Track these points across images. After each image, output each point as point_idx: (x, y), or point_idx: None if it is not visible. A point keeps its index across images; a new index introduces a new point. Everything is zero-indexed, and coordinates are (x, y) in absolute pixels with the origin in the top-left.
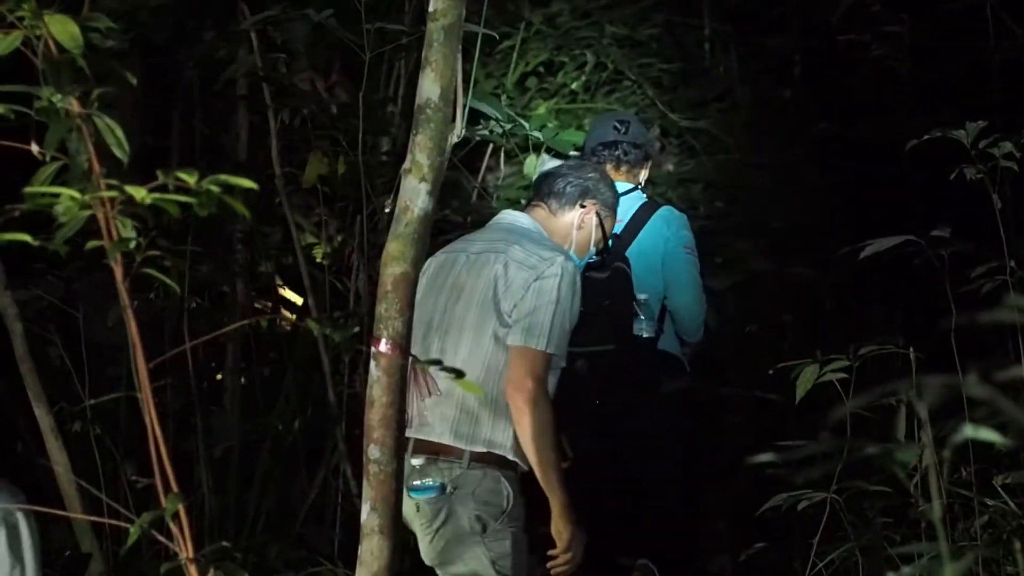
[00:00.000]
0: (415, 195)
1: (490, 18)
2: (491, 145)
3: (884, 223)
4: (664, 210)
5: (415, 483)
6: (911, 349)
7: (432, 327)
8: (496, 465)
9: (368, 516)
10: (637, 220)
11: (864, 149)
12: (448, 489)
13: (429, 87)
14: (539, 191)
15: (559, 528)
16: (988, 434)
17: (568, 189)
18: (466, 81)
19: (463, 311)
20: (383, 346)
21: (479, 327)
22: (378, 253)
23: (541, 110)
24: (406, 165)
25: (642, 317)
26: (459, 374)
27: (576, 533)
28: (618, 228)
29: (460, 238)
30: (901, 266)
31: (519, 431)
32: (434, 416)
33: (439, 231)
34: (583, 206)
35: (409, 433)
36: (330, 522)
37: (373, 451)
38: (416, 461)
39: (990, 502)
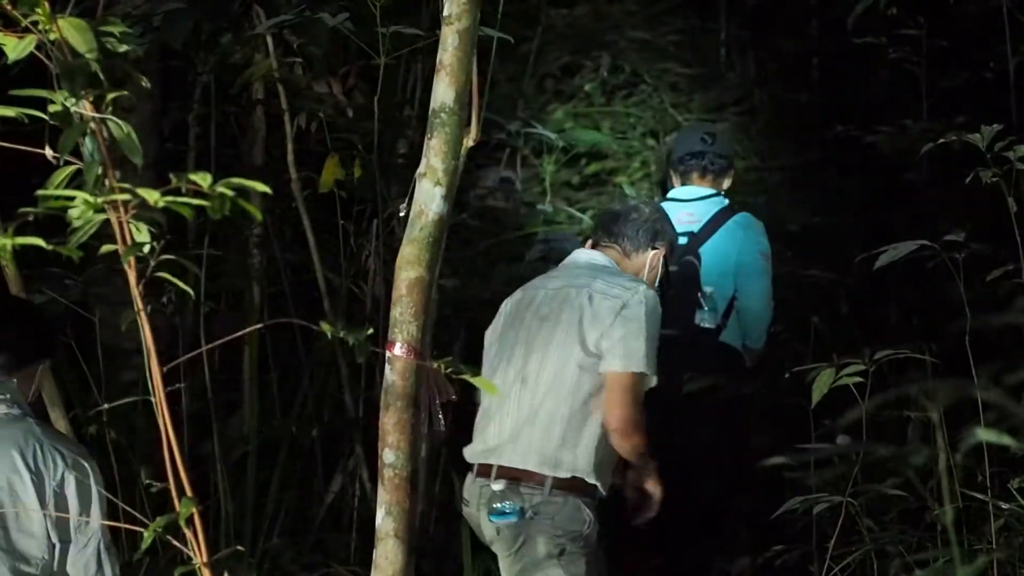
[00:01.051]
0: (430, 199)
1: (506, 21)
2: (508, 148)
3: (900, 226)
4: (743, 216)
5: (496, 506)
6: (927, 353)
7: (514, 357)
8: (578, 492)
9: (383, 520)
10: (715, 222)
11: (880, 152)
12: (528, 514)
13: (444, 91)
14: (610, 232)
15: (652, 488)
16: (1002, 437)
17: (641, 233)
18: (481, 85)
19: (545, 341)
20: (398, 350)
21: (563, 356)
22: (395, 257)
23: (558, 113)
24: (421, 169)
25: (705, 308)
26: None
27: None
28: (695, 227)
29: (537, 278)
30: (917, 269)
31: (621, 450)
32: (517, 442)
33: (454, 235)
34: (654, 248)
35: (488, 458)
36: (346, 526)
37: (388, 455)
38: (497, 486)
39: (1005, 506)
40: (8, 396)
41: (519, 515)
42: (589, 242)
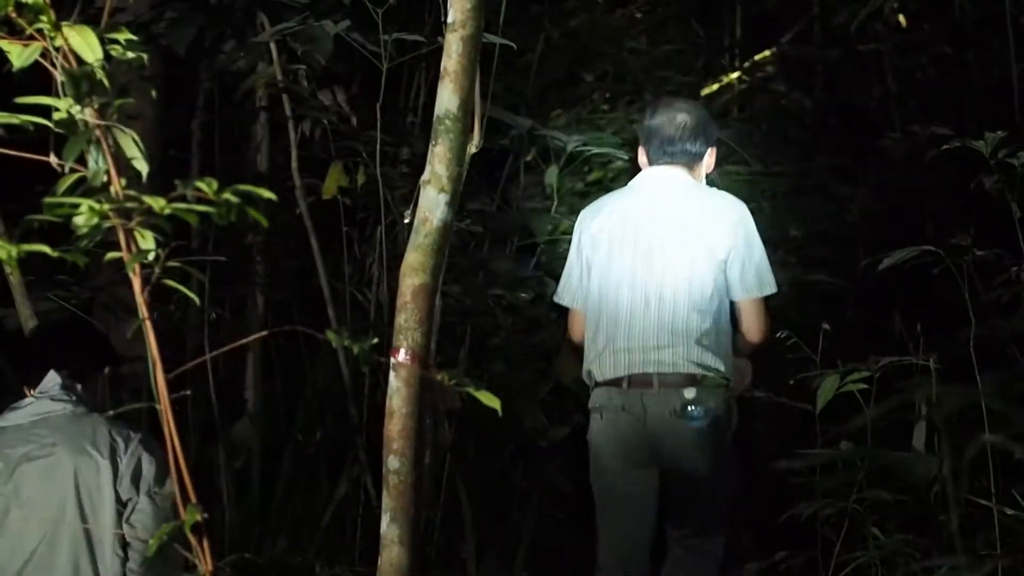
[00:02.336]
0: (434, 206)
1: (509, 29)
2: (511, 155)
3: (905, 232)
4: None
5: (691, 410)
6: (931, 359)
7: (639, 276)
8: (724, 387)
9: (388, 527)
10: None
11: (884, 158)
12: (713, 412)
13: (448, 98)
14: (672, 153)
15: (746, 372)
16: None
17: (699, 144)
18: (484, 92)
19: (674, 261)
20: (402, 357)
21: (697, 274)
22: (399, 264)
23: (561, 120)
24: (425, 176)
25: None
26: None
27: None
28: None
29: (617, 196)
30: (922, 275)
31: (749, 349)
32: (675, 352)
33: (460, 242)
34: (709, 149)
35: (643, 368)
36: (351, 533)
37: (392, 462)
38: (689, 394)
39: (1010, 512)
40: (74, 398)
41: (707, 415)
42: (643, 154)
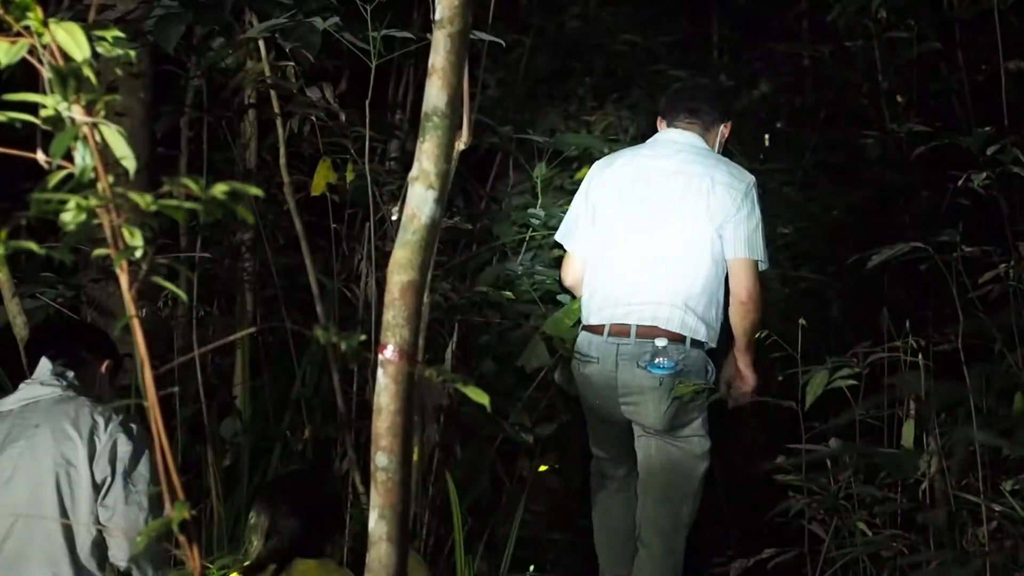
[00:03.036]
0: (422, 203)
1: (497, 25)
2: (500, 153)
3: (893, 229)
4: None
5: (659, 360)
6: (919, 356)
7: (640, 232)
8: (702, 348)
9: (376, 524)
10: None
11: (872, 155)
12: (679, 367)
13: (436, 95)
14: (689, 110)
15: (747, 376)
16: (994, 440)
17: (716, 108)
18: (473, 89)
19: (673, 221)
20: (390, 353)
21: (693, 238)
22: (387, 260)
23: (550, 117)
24: (413, 173)
25: None
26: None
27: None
28: None
29: (630, 152)
30: (910, 271)
31: (742, 324)
32: (658, 308)
33: (450, 239)
34: (725, 121)
35: (624, 319)
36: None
37: (381, 459)
38: (660, 343)
39: (997, 508)
40: (64, 383)
41: (674, 367)
42: (663, 122)
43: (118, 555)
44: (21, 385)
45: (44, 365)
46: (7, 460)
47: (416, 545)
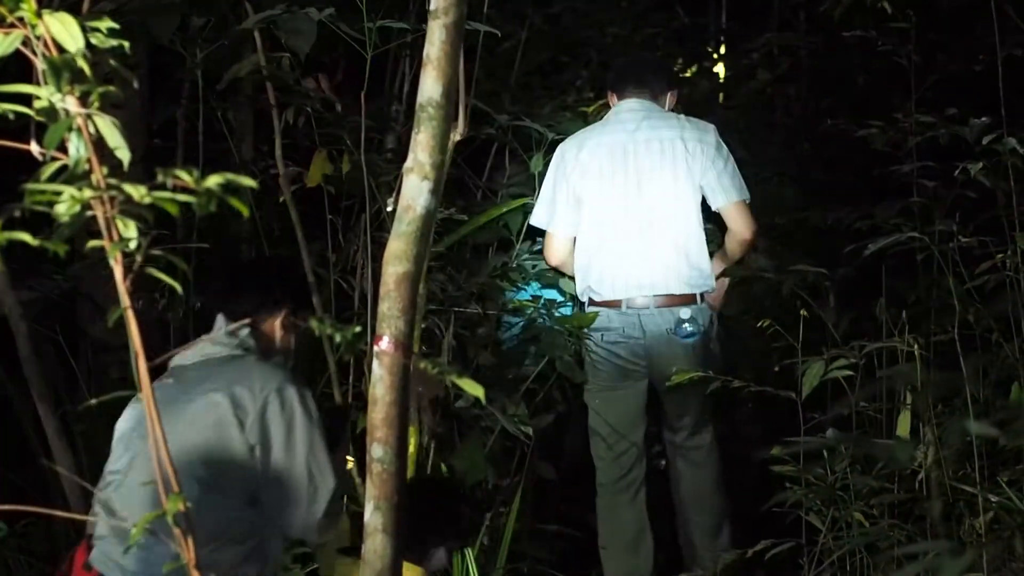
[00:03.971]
0: (417, 194)
1: (492, 16)
2: (495, 144)
3: (890, 219)
4: None
5: (686, 328)
6: (916, 346)
7: (630, 202)
8: (703, 298)
9: (371, 515)
10: None
11: (869, 145)
12: (703, 329)
13: (431, 85)
14: (639, 82)
15: (721, 290)
16: (990, 430)
17: (662, 78)
18: (468, 79)
19: (661, 185)
20: (385, 344)
21: (681, 196)
22: (383, 252)
23: (546, 108)
24: (408, 164)
25: None
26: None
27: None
28: None
29: (596, 129)
30: (907, 261)
31: (739, 254)
32: (668, 274)
33: (446, 230)
34: (672, 89)
35: (640, 291)
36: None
37: (376, 450)
38: (684, 313)
39: (994, 499)
40: (236, 342)
41: (700, 331)
42: (613, 96)
43: (282, 521)
44: (199, 341)
45: (219, 323)
46: (170, 416)
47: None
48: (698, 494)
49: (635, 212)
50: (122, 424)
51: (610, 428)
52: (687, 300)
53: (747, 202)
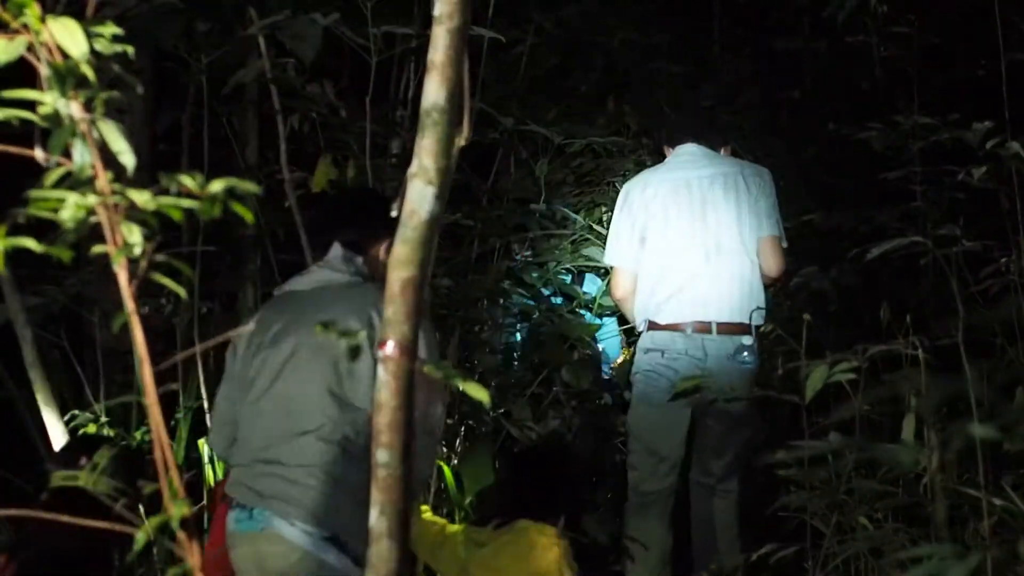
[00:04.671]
0: (422, 199)
1: (497, 22)
2: (501, 149)
3: (893, 223)
4: None
5: (745, 356)
6: (920, 350)
7: (696, 232)
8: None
9: (377, 520)
10: None
11: (873, 150)
12: (758, 359)
13: (435, 91)
14: (699, 130)
15: None
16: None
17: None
18: (473, 84)
19: (723, 218)
20: (390, 350)
21: (742, 228)
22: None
23: (552, 113)
24: (412, 169)
25: None
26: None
27: None
28: None
29: (655, 172)
30: (910, 266)
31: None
32: (732, 302)
33: (452, 235)
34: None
35: (705, 316)
36: None
37: (381, 455)
38: (747, 341)
39: (998, 502)
40: (353, 269)
41: (756, 361)
42: (669, 150)
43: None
44: (313, 267)
45: (335, 250)
46: (292, 340)
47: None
48: (724, 528)
49: (701, 242)
50: (245, 346)
51: (654, 441)
52: (746, 329)
53: (782, 243)
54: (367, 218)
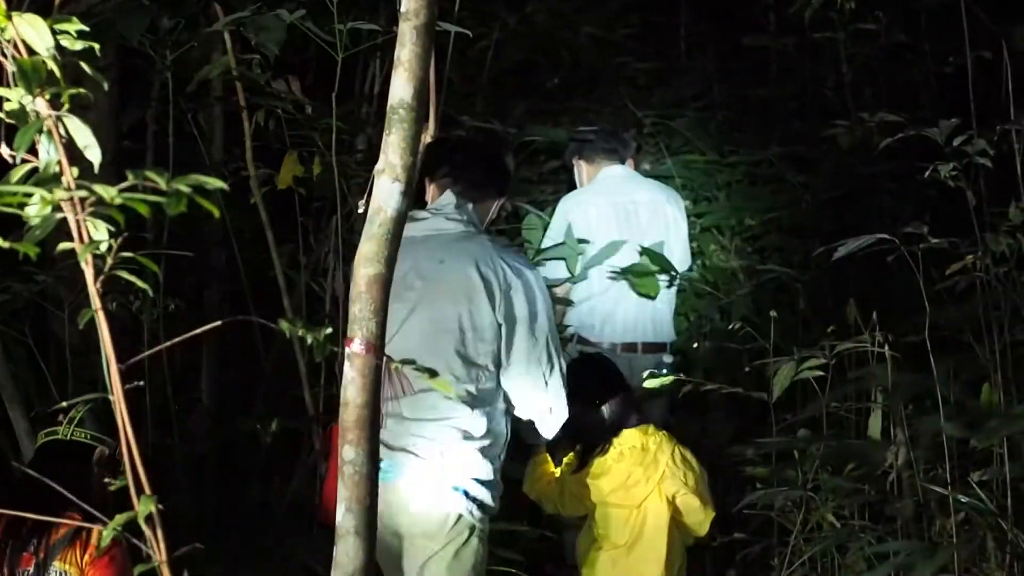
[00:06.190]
0: (388, 196)
1: (464, 18)
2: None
3: (860, 221)
4: None
5: (664, 372)
6: (887, 347)
7: (626, 256)
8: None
9: (343, 517)
10: None
11: (839, 147)
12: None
13: (402, 87)
14: (610, 151)
15: None
16: (961, 431)
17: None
18: (439, 81)
19: (653, 241)
20: (357, 347)
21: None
22: (354, 254)
23: (517, 110)
24: (379, 166)
25: None
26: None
27: None
28: None
29: (592, 191)
30: (876, 263)
31: None
32: (652, 324)
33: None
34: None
35: (632, 338)
36: (307, 523)
37: (348, 452)
38: (667, 359)
39: (965, 499)
40: (465, 218)
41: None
42: (581, 160)
43: (517, 405)
44: (422, 213)
45: (448, 197)
46: (411, 292)
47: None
48: None
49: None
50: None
51: None
52: (665, 348)
53: (693, 270)
54: (488, 168)
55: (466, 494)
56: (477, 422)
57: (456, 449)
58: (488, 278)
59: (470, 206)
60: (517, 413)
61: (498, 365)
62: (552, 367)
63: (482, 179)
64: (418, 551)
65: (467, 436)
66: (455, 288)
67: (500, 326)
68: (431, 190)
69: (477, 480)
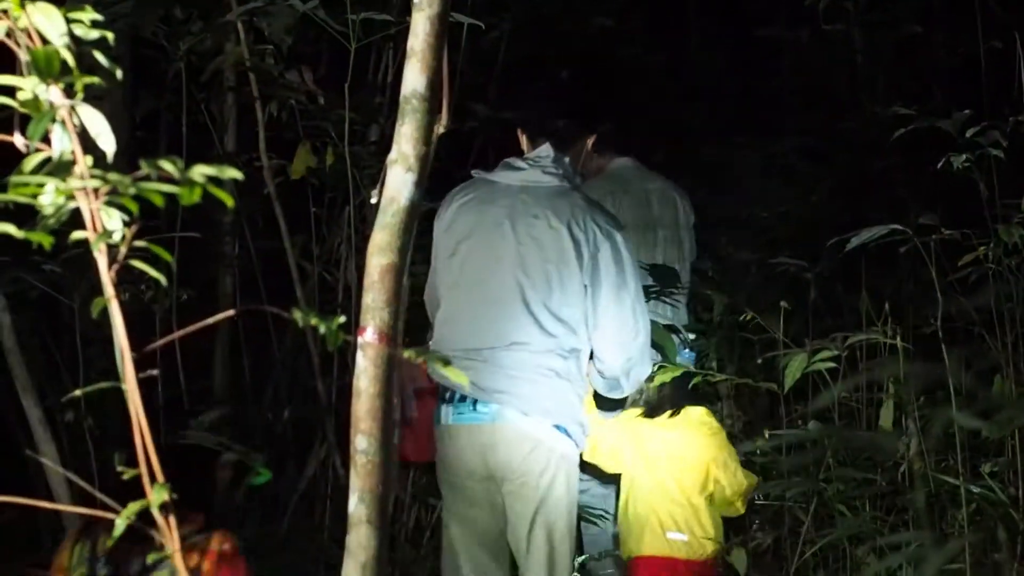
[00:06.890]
0: (401, 186)
1: (477, 7)
2: (480, 135)
3: (872, 212)
4: None
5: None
6: (898, 338)
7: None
8: None
9: (356, 507)
10: None
11: (852, 138)
12: None
13: (415, 77)
14: (625, 142)
15: None
16: (973, 422)
17: None
18: (452, 71)
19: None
20: (369, 336)
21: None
22: (366, 244)
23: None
24: (392, 156)
25: None
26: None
27: None
28: None
29: (606, 180)
30: (889, 254)
31: None
32: None
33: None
34: None
35: None
36: (320, 513)
37: (360, 442)
38: (687, 354)
39: (976, 489)
40: (561, 172)
41: None
42: (595, 154)
43: (604, 360)
44: (520, 162)
45: (545, 150)
46: (503, 241)
47: (397, 528)
48: None
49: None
50: (446, 227)
51: None
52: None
53: None
54: (579, 111)
55: (566, 432)
56: (569, 367)
57: (553, 390)
58: (578, 239)
59: (566, 159)
60: (599, 368)
61: (585, 324)
62: (637, 331)
63: (576, 134)
64: (528, 491)
65: (561, 377)
66: (546, 247)
67: (586, 287)
68: (524, 139)
69: (573, 419)
